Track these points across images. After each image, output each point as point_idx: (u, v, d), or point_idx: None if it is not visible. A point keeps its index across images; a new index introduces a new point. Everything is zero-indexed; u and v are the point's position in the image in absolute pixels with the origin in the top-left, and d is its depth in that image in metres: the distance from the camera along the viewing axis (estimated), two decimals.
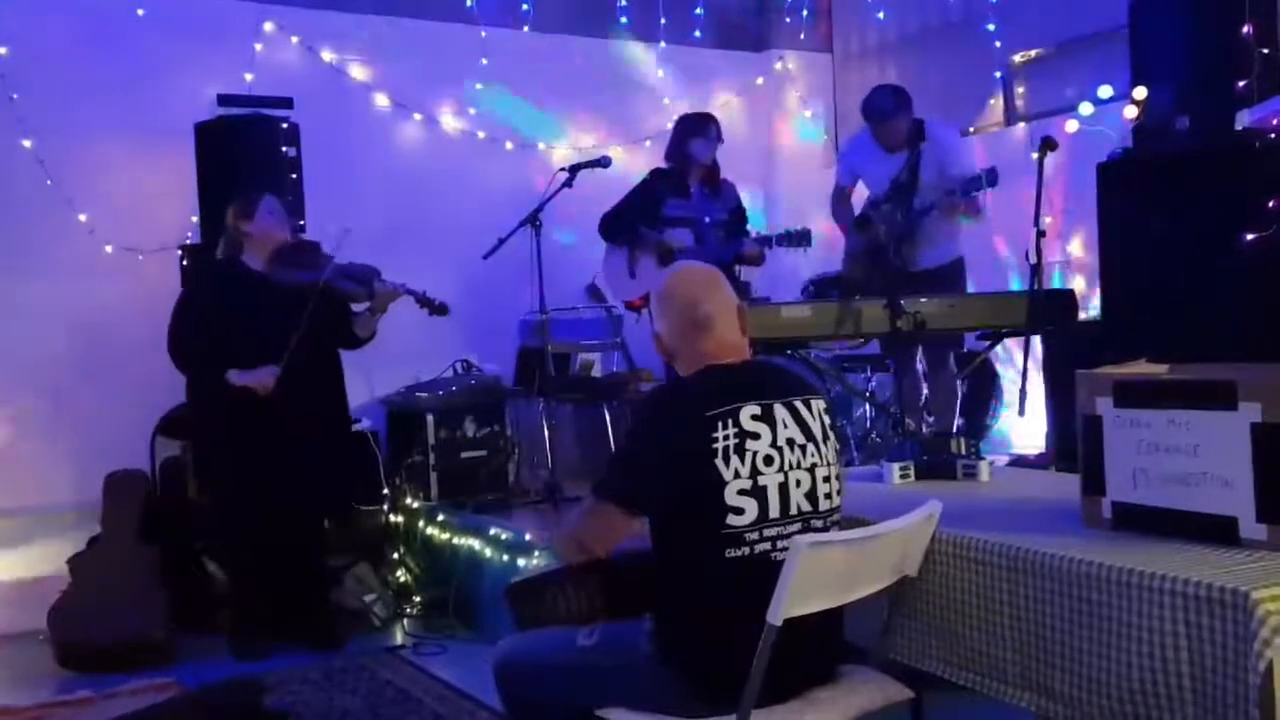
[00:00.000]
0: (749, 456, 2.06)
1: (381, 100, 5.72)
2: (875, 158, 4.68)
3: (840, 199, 4.94)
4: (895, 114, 4.57)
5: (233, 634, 4.20)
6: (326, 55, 5.58)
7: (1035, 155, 3.79)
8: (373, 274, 4.31)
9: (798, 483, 2.11)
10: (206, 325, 4.06)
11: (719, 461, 2.04)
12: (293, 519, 4.19)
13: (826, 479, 2.16)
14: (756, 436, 2.07)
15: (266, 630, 4.18)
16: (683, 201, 4.98)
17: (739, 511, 2.04)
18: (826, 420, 2.20)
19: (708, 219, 4.95)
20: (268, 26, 5.42)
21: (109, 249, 5.00)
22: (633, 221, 4.96)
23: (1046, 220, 3.92)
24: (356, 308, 4.32)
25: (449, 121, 5.91)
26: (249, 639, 4.14)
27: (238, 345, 4.04)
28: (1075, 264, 5.21)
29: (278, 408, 4.03)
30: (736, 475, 2.04)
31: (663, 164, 5.12)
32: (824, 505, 2.15)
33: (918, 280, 4.45)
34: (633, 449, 2.20)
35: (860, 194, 4.88)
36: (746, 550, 2.04)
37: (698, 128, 5.01)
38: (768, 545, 2.05)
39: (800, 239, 4.78)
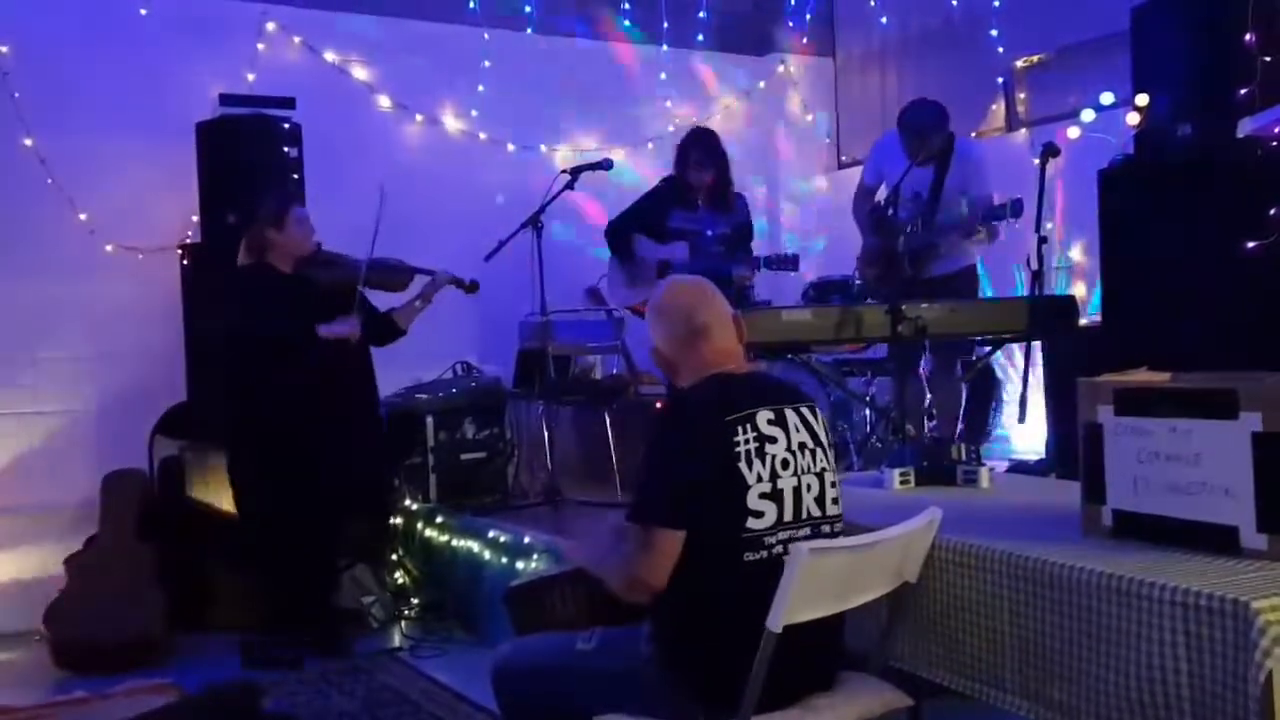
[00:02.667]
0: (768, 460, 2.07)
1: (383, 101, 5.73)
2: (901, 163, 4.66)
3: (864, 197, 4.92)
4: (933, 132, 4.51)
5: (251, 642, 4.10)
6: (329, 55, 5.58)
7: (1037, 161, 3.78)
8: (403, 261, 4.46)
9: (809, 487, 2.12)
10: (276, 328, 4.07)
11: (742, 465, 2.04)
12: (324, 523, 4.19)
13: (833, 484, 2.18)
14: (774, 440, 2.09)
15: (283, 639, 4.11)
16: (688, 214, 4.95)
17: (759, 515, 2.05)
18: (826, 429, 2.23)
19: (709, 232, 4.91)
20: (270, 26, 5.42)
21: (109, 248, 4.99)
22: (636, 230, 4.96)
23: (1048, 226, 3.91)
24: (399, 298, 4.42)
25: (451, 123, 5.91)
26: (266, 649, 4.06)
27: (289, 347, 4.07)
28: (1077, 270, 5.21)
29: (317, 408, 4.07)
30: (759, 479, 2.05)
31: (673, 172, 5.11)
32: (831, 510, 2.17)
33: (928, 287, 4.44)
34: (660, 466, 2.12)
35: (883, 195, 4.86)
36: (765, 554, 2.05)
37: (687, 153, 4.93)
38: (781, 549, 2.06)
39: (789, 263, 4.75)
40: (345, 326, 4.15)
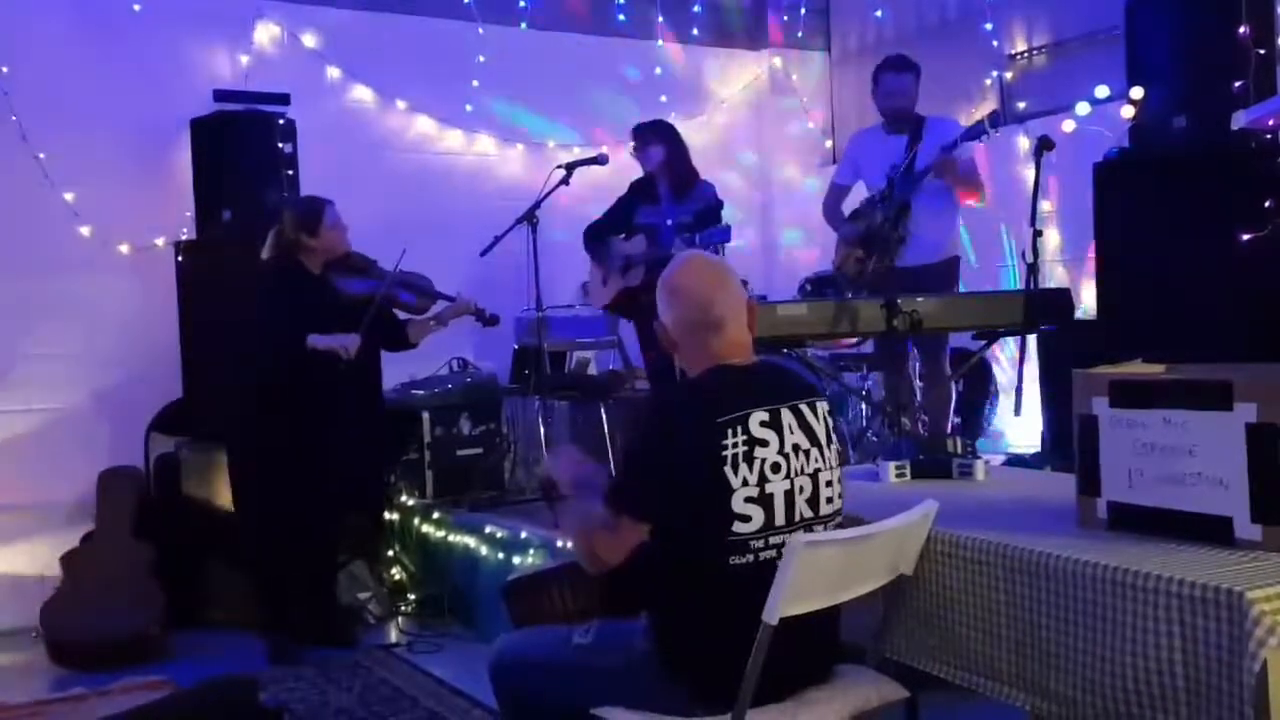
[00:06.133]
0: (757, 464, 2.03)
1: (378, 97, 5.71)
2: (878, 147, 4.63)
3: (835, 198, 4.90)
4: (905, 69, 4.55)
5: (270, 635, 4.10)
6: (323, 51, 5.56)
7: (1032, 155, 3.78)
8: (428, 284, 4.49)
9: (801, 489, 2.08)
10: (291, 325, 3.99)
11: (727, 469, 2.01)
12: (325, 518, 4.18)
13: (829, 483, 2.14)
14: (765, 444, 2.04)
15: (301, 631, 4.11)
16: (652, 207, 4.98)
17: (745, 519, 2.02)
18: (830, 422, 2.18)
19: (670, 221, 4.90)
20: (264, 22, 5.41)
21: (103, 245, 4.98)
22: (610, 233, 5.00)
23: (1046, 207, 3.90)
24: (412, 315, 4.43)
25: (445, 118, 5.90)
26: (287, 640, 4.07)
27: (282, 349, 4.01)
28: (1072, 263, 5.21)
29: (322, 406, 4.05)
30: (745, 483, 2.02)
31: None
32: (825, 510, 2.13)
33: (908, 277, 4.42)
34: (642, 454, 2.14)
35: (859, 192, 4.84)
36: (751, 558, 2.03)
37: (635, 143, 5.00)
38: (773, 553, 2.02)
39: (720, 235, 4.67)
40: (339, 340, 3.95)
